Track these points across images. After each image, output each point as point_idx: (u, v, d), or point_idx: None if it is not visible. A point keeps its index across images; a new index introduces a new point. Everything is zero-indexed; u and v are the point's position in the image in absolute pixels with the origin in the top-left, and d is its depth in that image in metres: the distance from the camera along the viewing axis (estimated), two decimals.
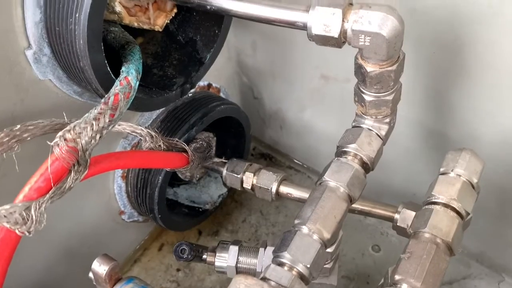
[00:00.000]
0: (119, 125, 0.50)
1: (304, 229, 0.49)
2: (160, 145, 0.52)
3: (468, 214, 0.51)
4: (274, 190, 0.72)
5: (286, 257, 0.47)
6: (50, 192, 0.40)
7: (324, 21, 0.47)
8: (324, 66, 0.73)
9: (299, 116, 0.86)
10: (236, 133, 0.85)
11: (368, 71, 0.50)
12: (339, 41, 0.48)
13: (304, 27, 0.49)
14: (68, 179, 0.41)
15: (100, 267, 0.44)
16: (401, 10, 0.57)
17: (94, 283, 0.47)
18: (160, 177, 0.68)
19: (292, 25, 0.50)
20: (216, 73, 0.80)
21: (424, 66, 0.62)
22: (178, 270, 0.86)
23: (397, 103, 0.55)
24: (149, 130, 0.51)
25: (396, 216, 0.64)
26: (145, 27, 0.61)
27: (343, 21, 0.47)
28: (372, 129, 0.56)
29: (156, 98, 0.58)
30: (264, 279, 0.46)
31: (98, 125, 0.42)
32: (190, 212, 0.84)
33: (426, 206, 0.52)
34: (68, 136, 0.41)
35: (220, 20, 0.62)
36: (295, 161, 0.98)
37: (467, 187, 0.52)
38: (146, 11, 0.62)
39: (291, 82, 0.81)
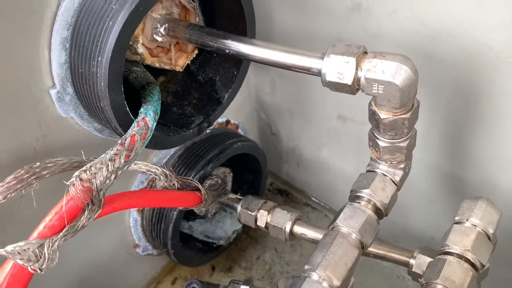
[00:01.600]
0: (135, 164, 0.51)
1: (314, 276, 0.48)
2: (174, 184, 0.53)
3: (483, 266, 0.49)
4: (288, 229, 0.72)
5: None
6: (63, 230, 0.41)
7: (338, 69, 0.48)
8: (341, 107, 0.74)
9: (316, 154, 0.86)
10: (253, 169, 0.86)
11: (382, 118, 0.50)
12: (353, 88, 0.49)
13: (318, 73, 0.50)
14: (82, 218, 0.42)
15: None
16: (418, 57, 0.58)
17: None
18: (174, 213, 0.69)
19: (307, 71, 0.51)
20: (235, 110, 0.82)
21: (441, 112, 0.62)
22: None
23: (412, 149, 0.55)
24: (164, 169, 0.52)
25: (412, 261, 0.62)
26: (167, 67, 0.63)
27: (356, 69, 0.47)
28: (386, 174, 0.56)
29: (174, 136, 0.60)
30: None
31: (113, 165, 0.43)
32: (204, 248, 0.84)
33: (439, 256, 0.51)
34: (83, 176, 0.42)
35: (239, 62, 0.64)
36: (312, 198, 0.98)
37: (482, 238, 0.51)
38: (168, 52, 0.64)
39: (309, 120, 0.82)
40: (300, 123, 0.84)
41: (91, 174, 0.42)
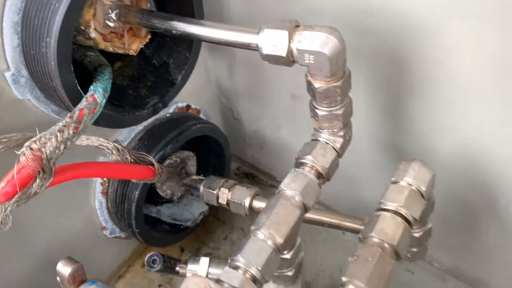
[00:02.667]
0: (87, 139, 0.54)
1: (259, 235, 0.52)
2: (127, 158, 0.56)
3: (415, 220, 0.54)
4: (247, 204, 0.75)
5: (239, 260, 0.50)
6: (16, 196, 0.44)
7: (272, 42, 0.52)
8: (292, 86, 0.78)
9: (276, 135, 0.90)
10: (217, 153, 0.89)
11: (316, 87, 0.54)
12: (288, 60, 0.52)
13: (257, 48, 0.54)
14: (34, 185, 0.45)
15: (63, 268, 0.48)
16: (354, 31, 0.62)
17: (60, 286, 0.50)
18: (136, 192, 0.72)
19: (247, 46, 0.55)
20: (195, 95, 0.85)
21: (380, 84, 0.66)
22: (160, 286, 0.88)
23: (348, 117, 0.59)
24: (115, 144, 0.55)
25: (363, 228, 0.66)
26: (120, 51, 0.66)
27: (289, 41, 0.51)
28: (327, 142, 0.60)
29: (128, 116, 0.63)
30: (218, 281, 0.49)
31: (62, 136, 0.46)
32: (171, 229, 0.87)
33: (376, 213, 0.55)
34: (34, 146, 0.45)
35: (191, 44, 0.68)
36: (278, 179, 1.02)
37: (415, 194, 0.55)
38: (122, 38, 0.67)
39: (266, 102, 0.86)
40: (258, 106, 0.88)
41: (41, 144, 0.45)
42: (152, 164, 0.59)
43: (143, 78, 0.70)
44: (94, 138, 0.54)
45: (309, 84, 0.55)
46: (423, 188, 0.56)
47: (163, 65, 0.70)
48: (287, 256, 0.59)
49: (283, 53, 0.52)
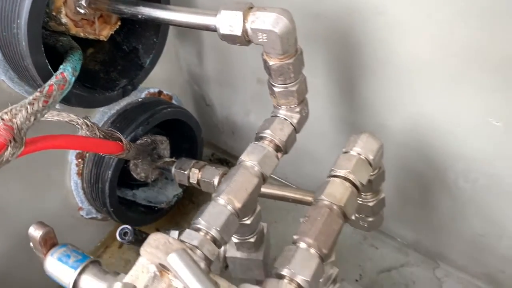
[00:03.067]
0: (58, 115, 0.58)
1: (219, 200, 0.56)
2: (96, 133, 0.60)
3: (362, 185, 0.58)
4: (216, 183, 0.79)
5: (200, 223, 0.54)
6: None
7: (229, 22, 0.56)
8: (258, 71, 0.82)
9: (246, 120, 0.94)
10: (189, 138, 0.93)
11: (271, 64, 0.58)
12: (243, 39, 0.57)
13: (215, 29, 0.58)
14: (6, 153, 0.49)
15: (35, 232, 0.51)
16: (307, 14, 0.66)
17: (33, 250, 0.54)
18: (109, 172, 0.76)
19: (207, 28, 0.59)
20: (168, 81, 0.89)
21: (335, 65, 0.71)
22: None
23: (303, 93, 0.63)
24: (85, 120, 0.59)
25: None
26: (91, 37, 0.70)
27: (244, 21, 0.56)
28: (285, 117, 0.65)
29: (99, 96, 0.67)
30: (180, 240, 0.53)
31: (32, 108, 0.50)
32: (146, 211, 0.91)
33: (327, 179, 0.59)
34: (5, 116, 0.49)
35: (158, 30, 0.72)
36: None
37: (362, 162, 0.59)
38: (93, 24, 0.71)
39: (235, 88, 0.90)
40: (228, 92, 0.93)
41: (12, 115, 0.49)
42: (121, 140, 0.63)
43: (114, 62, 0.74)
44: (65, 113, 0.58)
45: (265, 62, 0.60)
46: (371, 157, 0.60)
47: (132, 50, 0.74)
48: (247, 221, 0.63)
49: (238, 32, 0.56)
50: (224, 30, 0.57)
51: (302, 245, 0.52)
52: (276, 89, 0.62)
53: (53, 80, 0.54)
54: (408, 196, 0.82)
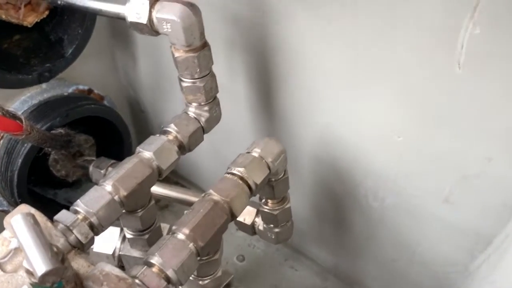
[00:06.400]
0: None
1: (104, 185, 0.55)
2: None
3: (256, 184, 0.57)
4: None
5: (80, 205, 0.52)
6: None
7: (136, 10, 0.57)
8: None
9: None
10: (118, 140, 0.92)
11: (176, 56, 0.59)
12: (149, 28, 0.57)
13: (124, 17, 0.59)
14: None
15: None
16: (225, 16, 0.67)
17: None
18: (20, 160, 0.74)
19: (118, 15, 0.60)
20: (100, 81, 0.89)
21: (254, 71, 0.72)
22: None
23: (211, 91, 0.63)
24: None
25: None
26: (14, 21, 0.70)
27: (150, 10, 0.56)
28: (194, 115, 0.64)
29: (10, 77, 0.67)
30: (54, 220, 0.51)
31: None
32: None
33: (224, 176, 0.58)
34: None
35: (83, 22, 0.72)
36: (179, 173, 1.05)
37: (259, 163, 0.59)
38: (18, 10, 0.72)
39: (168, 94, 0.90)
40: (161, 97, 0.92)
41: None
42: (21, 120, 0.62)
43: (38, 50, 0.74)
44: None
45: (172, 55, 0.60)
46: (269, 159, 0.60)
47: (58, 40, 0.74)
48: (138, 214, 0.61)
49: (144, 20, 0.57)
50: (131, 17, 0.58)
51: (178, 235, 0.51)
52: (184, 84, 0.62)
53: None
54: (324, 214, 0.81)
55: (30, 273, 0.39)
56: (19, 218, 0.40)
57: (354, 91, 0.62)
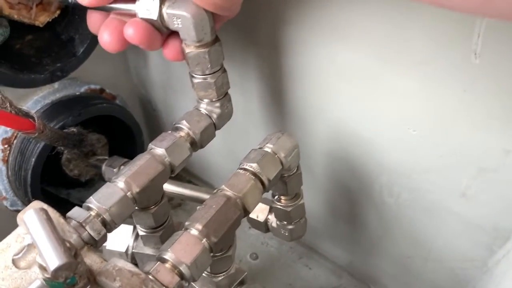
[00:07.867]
0: None
1: (116, 182, 0.54)
2: (6, 107, 0.59)
3: (269, 180, 0.57)
4: None
5: (92, 202, 0.52)
6: None
7: (147, 6, 0.57)
8: None
9: None
10: (130, 140, 0.92)
11: (187, 52, 0.59)
12: (160, 24, 0.57)
13: (135, 14, 0.59)
14: None
15: None
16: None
17: None
18: (33, 159, 0.74)
19: (129, 13, 0.60)
20: (112, 81, 0.89)
21: (267, 70, 0.71)
22: None
23: (222, 87, 0.63)
24: None
25: None
26: (26, 21, 0.71)
27: (160, 6, 0.56)
28: (205, 111, 0.64)
29: (23, 77, 0.67)
30: (67, 217, 0.52)
31: None
32: None
33: (236, 171, 0.58)
34: None
35: None
36: (194, 174, 1.05)
37: (271, 157, 0.58)
38: (30, 10, 0.72)
39: (179, 92, 0.90)
40: (172, 97, 0.92)
41: None
42: (34, 119, 0.62)
43: (49, 50, 0.74)
44: None
45: (183, 51, 0.60)
46: (282, 154, 0.59)
47: (69, 40, 0.75)
48: (151, 211, 0.61)
49: (154, 16, 0.56)
50: (142, 14, 0.57)
51: (191, 231, 0.51)
52: (195, 80, 0.62)
53: None
54: (338, 211, 0.80)
55: (43, 268, 0.39)
56: (32, 213, 0.40)
57: (368, 85, 0.61)
